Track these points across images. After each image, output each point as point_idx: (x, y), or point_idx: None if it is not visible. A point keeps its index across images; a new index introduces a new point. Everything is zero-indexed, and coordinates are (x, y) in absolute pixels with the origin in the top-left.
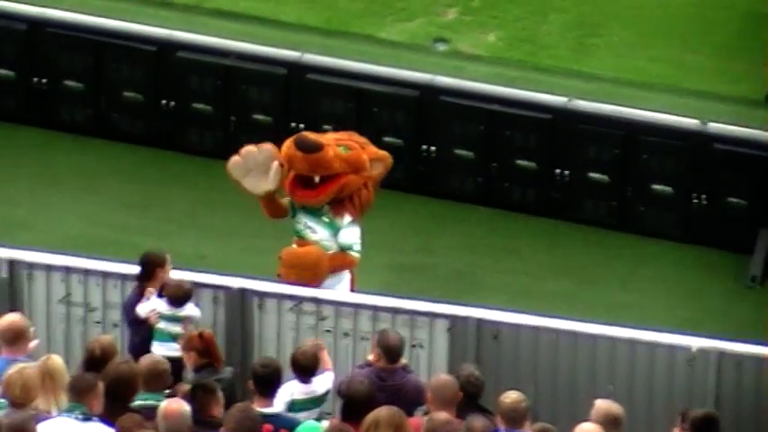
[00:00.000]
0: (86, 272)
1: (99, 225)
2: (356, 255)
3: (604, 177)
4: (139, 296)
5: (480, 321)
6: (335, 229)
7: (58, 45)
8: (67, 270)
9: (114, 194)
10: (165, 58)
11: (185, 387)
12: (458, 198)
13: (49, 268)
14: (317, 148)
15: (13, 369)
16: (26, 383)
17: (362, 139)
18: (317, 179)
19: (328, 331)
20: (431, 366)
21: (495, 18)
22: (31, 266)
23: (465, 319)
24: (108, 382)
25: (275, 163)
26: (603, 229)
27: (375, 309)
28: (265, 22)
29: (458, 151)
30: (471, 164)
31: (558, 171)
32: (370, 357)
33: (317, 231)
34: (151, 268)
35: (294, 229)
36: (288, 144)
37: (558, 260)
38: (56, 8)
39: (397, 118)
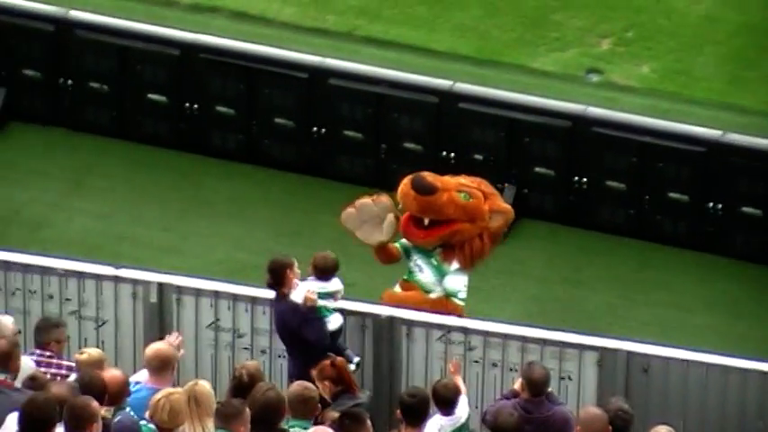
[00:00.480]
0: (235, 297)
1: (248, 251)
2: (460, 303)
3: (758, 212)
4: (281, 301)
5: (630, 354)
6: (442, 274)
7: (210, 70)
8: (216, 295)
9: (264, 221)
10: (317, 84)
11: (333, 414)
12: (608, 230)
13: (198, 293)
14: (431, 190)
15: (160, 394)
16: (173, 408)
17: (490, 189)
18: (426, 221)
19: (477, 362)
20: (579, 399)
21: (650, 49)
22: (180, 291)
23: (614, 351)
24: (255, 408)
25: (390, 215)
26: (755, 263)
27: (524, 339)
28: (417, 51)
29: (609, 183)
30: (623, 196)
31: (710, 204)
32: (516, 386)
33: (423, 271)
34: (281, 272)
35: (408, 268)
36: (405, 182)
37: (709, 293)
38: (208, 34)
39: (548, 148)
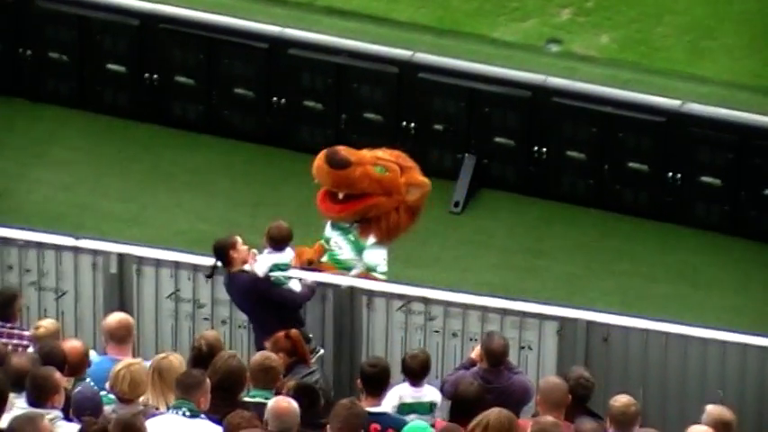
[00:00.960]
0: (195, 267)
1: (209, 222)
2: (381, 276)
3: (717, 181)
4: (233, 279)
5: (590, 324)
6: (360, 249)
7: (170, 41)
8: (176, 266)
9: (224, 192)
10: (277, 55)
11: (291, 383)
12: (569, 200)
13: (158, 263)
14: (345, 164)
15: (120, 364)
16: (134, 379)
17: (409, 163)
18: (340, 195)
19: (437, 331)
20: (539, 368)
21: (609, 19)
22: (141, 261)
23: (575, 321)
24: (216, 376)
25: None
26: (715, 232)
27: (484, 309)
28: (377, 21)
29: (570, 153)
30: (583, 166)
31: (670, 174)
32: (473, 355)
33: (342, 249)
34: (225, 252)
35: (324, 238)
36: (320, 156)
37: (670, 263)
38: (167, 4)
39: (508, 119)
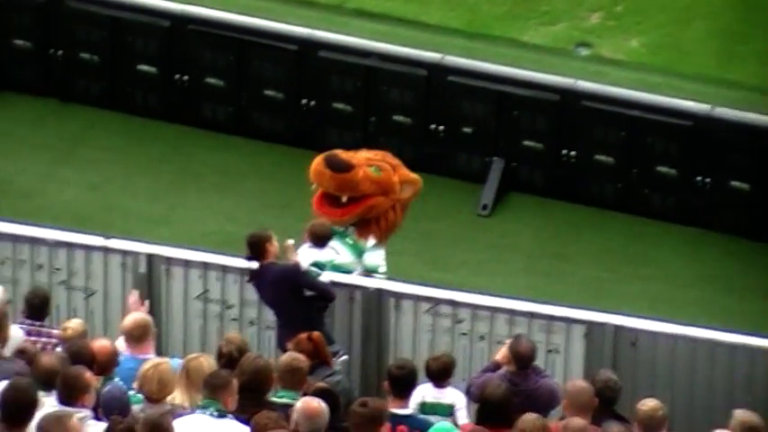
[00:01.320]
0: (224, 268)
1: (237, 223)
2: (382, 277)
3: (745, 186)
4: (265, 270)
5: (618, 328)
6: (359, 251)
7: (201, 42)
8: (205, 266)
9: (253, 193)
10: (307, 57)
11: (319, 384)
12: (597, 204)
13: (187, 264)
14: (347, 168)
15: (148, 364)
16: (162, 378)
17: (395, 161)
18: (344, 199)
19: (464, 334)
20: (566, 372)
21: (639, 23)
22: (170, 262)
23: (602, 325)
24: (244, 377)
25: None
26: (743, 238)
27: (512, 313)
28: (407, 23)
29: (598, 157)
30: (611, 169)
31: (698, 179)
32: (497, 357)
33: (340, 253)
34: (261, 244)
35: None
36: (318, 160)
37: (698, 268)
38: (198, 5)
39: (537, 122)
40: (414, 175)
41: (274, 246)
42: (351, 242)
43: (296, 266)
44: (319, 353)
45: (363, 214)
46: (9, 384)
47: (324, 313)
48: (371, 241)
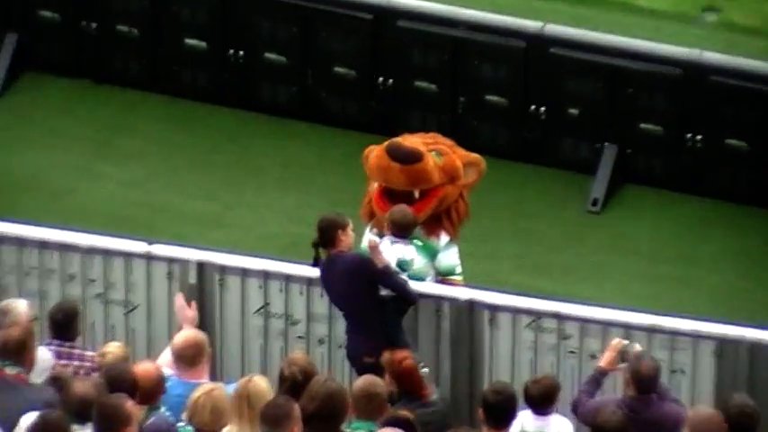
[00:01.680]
0: (288, 278)
1: (303, 224)
2: (459, 278)
3: None
4: (335, 259)
5: (755, 344)
6: (433, 253)
7: (258, 11)
8: (266, 275)
9: (322, 189)
10: (384, 27)
11: (403, 413)
12: (729, 198)
13: (244, 273)
14: (418, 157)
15: (199, 391)
16: (216, 407)
17: (448, 141)
18: (416, 194)
19: (572, 352)
20: (693, 396)
21: None
22: (224, 271)
23: (737, 341)
24: (313, 405)
25: None
26: None
27: (628, 327)
28: None
29: (729, 141)
30: (745, 156)
31: None
32: (601, 364)
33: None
34: (332, 232)
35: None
36: (378, 153)
37: None
38: None
39: (656, 101)
40: (475, 155)
41: (348, 236)
42: (421, 243)
43: (372, 260)
44: (413, 382)
45: (436, 208)
46: (38, 417)
47: (402, 318)
48: (444, 239)
